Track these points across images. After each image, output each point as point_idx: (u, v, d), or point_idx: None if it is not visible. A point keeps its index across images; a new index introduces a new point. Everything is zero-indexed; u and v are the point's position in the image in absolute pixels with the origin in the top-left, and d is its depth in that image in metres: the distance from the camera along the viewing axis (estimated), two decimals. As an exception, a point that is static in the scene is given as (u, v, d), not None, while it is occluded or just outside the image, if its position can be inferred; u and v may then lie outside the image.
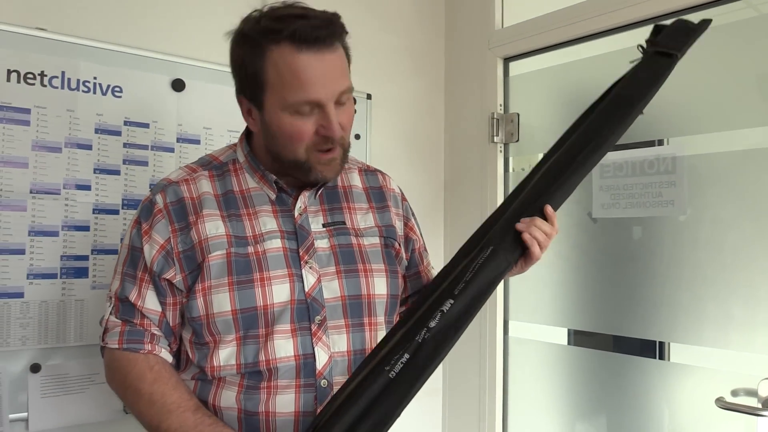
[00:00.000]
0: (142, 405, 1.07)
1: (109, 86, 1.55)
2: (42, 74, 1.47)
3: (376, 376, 0.99)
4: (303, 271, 1.12)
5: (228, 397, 1.09)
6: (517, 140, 2.07)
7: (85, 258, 1.52)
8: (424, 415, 2.20)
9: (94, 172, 1.53)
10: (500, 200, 2.05)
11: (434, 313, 1.02)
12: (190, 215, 1.12)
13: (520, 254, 1.11)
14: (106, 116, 1.55)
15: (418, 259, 1.35)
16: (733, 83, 1.59)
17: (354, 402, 0.97)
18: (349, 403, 0.97)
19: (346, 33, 1.12)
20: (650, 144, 1.74)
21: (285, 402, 1.08)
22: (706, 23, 1.19)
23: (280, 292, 1.09)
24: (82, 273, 1.51)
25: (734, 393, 1.50)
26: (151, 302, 1.11)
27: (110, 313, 1.13)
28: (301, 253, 1.13)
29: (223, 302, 1.08)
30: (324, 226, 1.18)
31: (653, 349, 1.71)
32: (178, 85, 1.65)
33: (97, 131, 1.54)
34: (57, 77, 1.48)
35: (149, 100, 1.61)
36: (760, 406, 1.45)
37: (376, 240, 1.23)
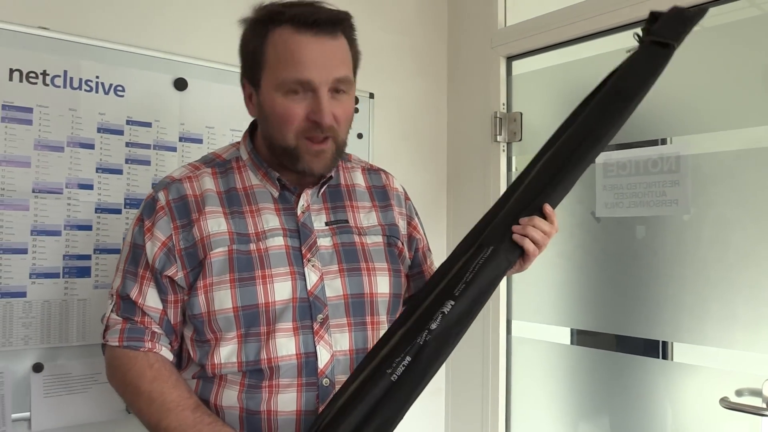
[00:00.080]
0: (142, 403, 1.07)
1: (111, 85, 1.55)
2: (44, 73, 1.46)
3: (378, 378, 0.99)
4: (305, 269, 1.12)
5: (229, 397, 1.09)
6: (520, 139, 2.06)
7: (88, 257, 1.51)
8: (427, 415, 2.20)
9: (97, 172, 1.53)
10: (503, 200, 2.04)
11: (435, 314, 1.01)
12: (193, 213, 1.12)
13: (520, 253, 1.10)
14: (109, 115, 1.55)
15: (421, 258, 1.35)
16: (736, 82, 1.58)
17: (356, 404, 0.97)
18: (351, 406, 0.97)
19: (353, 30, 1.13)
20: (654, 143, 1.74)
21: (286, 401, 1.08)
22: (702, 11, 1.17)
23: (281, 290, 1.09)
24: (84, 272, 1.51)
25: (738, 393, 1.50)
26: (152, 300, 1.11)
27: (111, 311, 1.12)
28: (303, 251, 1.13)
29: (224, 299, 1.07)
30: (327, 224, 1.18)
31: (657, 349, 1.71)
32: (180, 84, 1.65)
33: (99, 130, 1.54)
34: (59, 76, 1.48)
35: (151, 99, 1.61)
36: (764, 406, 1.44)
37: (379, 239, 1.23)
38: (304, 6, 1.07)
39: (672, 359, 1.70)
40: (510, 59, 2.12)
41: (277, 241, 1.12)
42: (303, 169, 1.11)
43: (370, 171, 1.33)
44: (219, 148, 1.26)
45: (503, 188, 2.09)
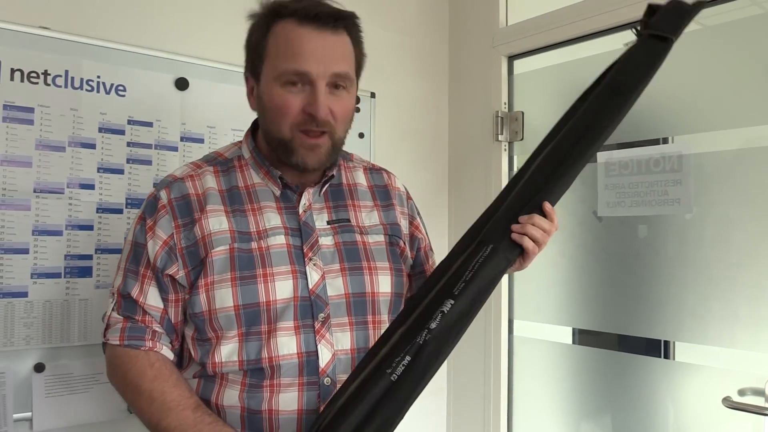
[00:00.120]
0: (142, 402, 1.07)
1: (112, 85, 1.55)
2: (45, 73, 1.46)
3: (378, 378, 0.99)
4: (307, 268, 1.11)
5: (231, 396, 1.09)
6: (522, 138, 2.06)
7: (89, 257, 1.51)
8: (429, 415, 2.20)
9: (98, 171, 1.53)
10: (505, 199, 2.04)
11: (434, 314, 1.01)
12: (195, 212, 1.12)
13: (520, 252, 1.10)
14: (110, 115, 1.55)
15: (423, 258, 1.34)
16: (738, 81, 1.58)
17: (356, 405, 0.97)
18: (351, 406, 0.97)
19: (358, 30, 1.14)
20: (655, 142, 1.73)
21: (288, 400, 1.07)
22: (701, 4, 1.16)
23: (283, 289, 1.09)
24: (86, 272, 1.51)
25: (741, 392, 1.50)
26: (153, 299, 1.11)
27: (112, 309, 1.12)
28: (305, 250, 1.13)
29: (225, 298, 1.07)
30: (329, 223, 1.18)
31: (658, 348, 1.71)
32: (181, 84, 1.65)
33: (100, 130, 1.54)
34: (60, 76, 1.48)
35: (153, 98, 1.61)
36: (767, 405, 1.44)
37: (381, 238, 1.23)
38: (309, 1, 1.08)
39: (674, 359, 1.70)
40: (511, 58, 2.12)
41: (279, 240, 1.12)
42: (296, 162, 1.11)
43: (372, 170, 1.32)
44: (221, 147, 1.26)
45: (505, 188, 2.09)
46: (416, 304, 1.07)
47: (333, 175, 1.21)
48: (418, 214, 1.37)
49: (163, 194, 1.13)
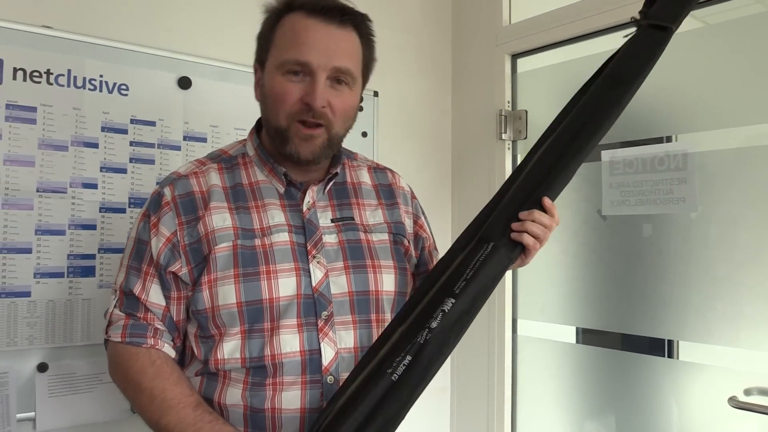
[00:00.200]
0: (143, 400, 1.07)
1: (115, 84, 1.55)
2: (48, 72, 1.46)
3: (378, 378, 0.98)
4: (310, 265, 1.11)
5: (233, 395, 1.09)
6: (525, 137, 2.05)
7: (92, 257, 1.51)
8: (433, 414, 2.20)
9: (101, 171, 1.53)
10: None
11: (435, 312, 1.01)
12: (199, 209, 1.12)
13: (521, 249, 1.10)
14: (113, 114, 1.55)
15: (427, 257, 1.34)
16: (742, 78, 1.58)
17: (357, 405, 0.96)
18: (352, 406, 0.97)
19: (369, 31, 1.15)
20: (658, 141, 1.73)
21: (291, 398, 1.07)
22: None
23: (286, 286, 1.08)
24: (89, 272, 1.50)
25: (747, 392, 1.49)
26: (155, 296, 1.10)
27: (114, 306, 1.12)
28: (308, 248, 1.12)
29: (228, 294, 1.07)
30: (333, 221, 1.17)
31: (662, 348, 1.70)
32: (184, 83, 1.65)
33: (103, 129, 1.53)
34: (63, 75, 1.48)
35: (156, 98, 1.60)
36: (773, 404, 1.43)
37: (385, 236, 1.22)
38: None
39: (678, 358, 1.69)
40: (515, 57, 2.11)
41: (282, 237, 1.11)
42: (290, 152, 1.11)
43: (377, 170, 1.32)
44: (225, 145, 1.26)
45: (508, 186, 2.08)
46: (416, 303, 1.07)
47: (337, 173, 1.21)
48: (423, 213, 1.37)
49: (167, 191, 1.13)
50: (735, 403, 1.45)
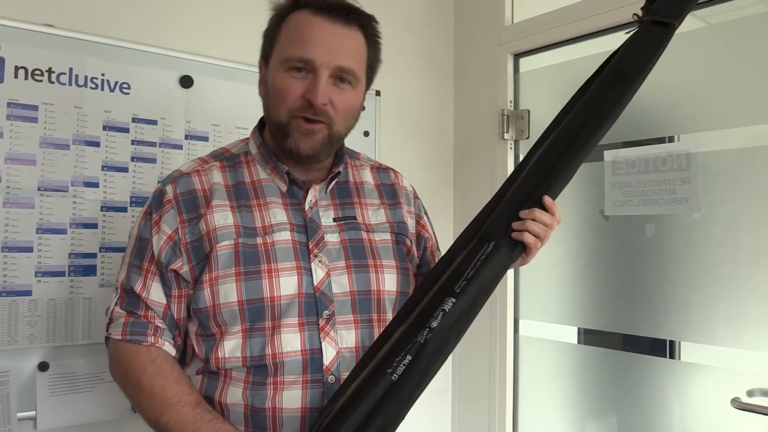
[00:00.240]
0: (143, 398, 1.06)
1: (117, 83, 1.55)
2: (50, 71, 1.46)
3: (378, 378, 0.98)
4: (312, 264, 1.11)
5: (234, 394, 1.08)
6: (528, 137, 2.05)
7: (93, 256, 1.51)
8: (434, 414, 2.19)
9: (102, 170, 1.53)
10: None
11: (435, 312, 1.01)
12: (201, 207, 1.11)
13: (522, 248, 1.09)
14: (114, 113, 1.54)
15: (429, 258, 1.33)
16: (745, 78, 1.57)
17: (357, 405, 0.96)
18: (351, 407, 0.96)
19: (375, 33, 1.16)
20: (661, 141, 1.72)
21: (291, 398, 1.07)
22: None
23: (287, 285, 1.08)
24: (90, 271, 1.50)
25: (750, 393, 1.48)
26: (155, 294, 1.10)
27: (115, 304, 1.12)
28: (310, 247, 1.12)
29: (229, 293, 1.07)
30: (335, 220, 1.17)
31: (664, 348, 1.70)
32: (186, 82, 1.64)
33: (105, 128, 1.53)
34: (65, 74, 1.48)
35: (157, 96, 1.60)
36: (777, 406, 1.43)
37: (387, 236, 1.22)
38: None
39: (679, 359, 1.69)
40: (517, 56, 2.11)
41: (284, 236, 1.11)
42: (290, 147, 1.10)
43: (379, 169, 1.32)
44: (228, 144, 1.26)
45: (511, 186, 2.08)
46: (416, 302, 1.06)
47: (339, 172, 1.21)
48: (426, 213, 1.36)
49: (169, 189, 1.13)
50: (738, 405, 1.45)
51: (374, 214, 1.23)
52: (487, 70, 2.16)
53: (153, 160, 1.60)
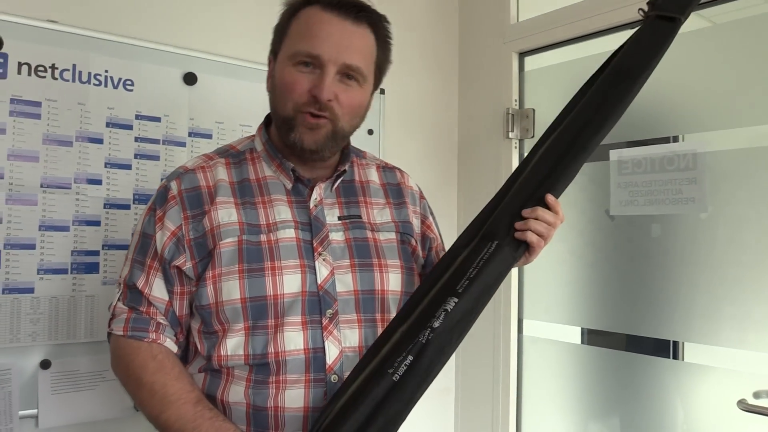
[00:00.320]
0: (143, 394, 1.06)
1: (120, 79, 1.54)
2: (53, 67, 1.45)
3: (379, 378, 0.97)
4: (316, 263, 1.10)
5: (236, 392, 1.08)
6: (533, 136, 2.04)
7: (96, 253, 1.50)
8: (436, 414, 2.19)
9: (105, 167, 1.52)
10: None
11: (438, 312, 1.00)
12: (206, 204, 1.11)
13: (526, 248, 1.09)
14: (118, 110, 1.54)
15: (434, 258, 1.32)
16: (750, 78, 1.57)
17: (357, 405, 0.96)
18: (352, 407, 0.96)
19: (385, 32, 1.15)
20: (665, 140, 1.72)
21: (294, 397, 1.06)
22: None
23: (291, 283, 1.08)
24: (92, 268, 1.50)
25: (756, 395, 1.48)
26: (158, 290, 1.10)
27: (118, 300, 1.12)
28: (314, 245, 1.12)
29: (232, 290, 1.06)
30: (340, 218, 1.17)
31: (667, 349, 1.69)
32: (190, 79, 1.64)
33: (108, 125, 1.53)
34: (68, 70, 1.47)
35: (161, 93, 1.60)
36: (783, 408, 1.42)
37: (392, 235, 1.21)
38: None
39: (683, 359, 1.68)
40: (522, 55, 2.10)
41: (288, 234, 1.11)
42: (294, 141, 1.10)
43: (385, 169, 1.32)
44: (234, 140, 1.26)
45: (515, 185, 2.08)
46: (418, 301, 1.06)
47: (345, 171, 1.20)
48: (431, 213, 1.36)
49: (173, 185, 1.13)
50: (744, 406, 1.44)
51: (379, 213, 1.22)
52: (492, 69, 2.15)
53: (156, 158, 1.59)
